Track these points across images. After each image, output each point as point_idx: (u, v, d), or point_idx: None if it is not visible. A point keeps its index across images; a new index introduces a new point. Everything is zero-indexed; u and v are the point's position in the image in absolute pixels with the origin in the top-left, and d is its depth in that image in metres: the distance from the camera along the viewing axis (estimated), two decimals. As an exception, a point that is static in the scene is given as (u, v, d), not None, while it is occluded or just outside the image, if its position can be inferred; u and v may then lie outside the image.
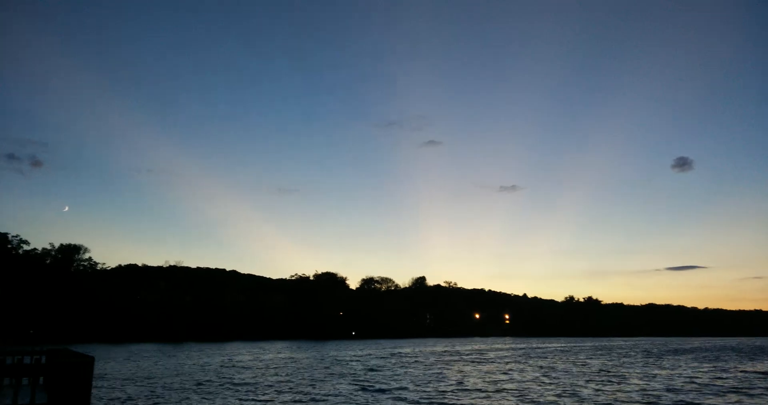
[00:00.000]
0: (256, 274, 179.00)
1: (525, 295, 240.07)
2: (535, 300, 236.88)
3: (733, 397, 26.78)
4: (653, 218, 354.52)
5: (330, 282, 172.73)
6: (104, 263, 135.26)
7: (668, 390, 29.70)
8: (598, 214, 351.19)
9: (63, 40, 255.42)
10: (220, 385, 31.24)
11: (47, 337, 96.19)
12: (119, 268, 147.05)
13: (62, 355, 26.16)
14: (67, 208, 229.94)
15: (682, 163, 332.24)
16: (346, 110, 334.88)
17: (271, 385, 31.10)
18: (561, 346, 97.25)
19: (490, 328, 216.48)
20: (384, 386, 30.38)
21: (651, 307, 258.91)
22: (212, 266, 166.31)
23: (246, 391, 28.09)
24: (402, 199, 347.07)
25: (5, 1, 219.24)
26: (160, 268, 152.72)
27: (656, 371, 42.97)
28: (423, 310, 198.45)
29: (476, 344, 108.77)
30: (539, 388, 30.26)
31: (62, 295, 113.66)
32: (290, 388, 29.43)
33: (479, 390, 29.05)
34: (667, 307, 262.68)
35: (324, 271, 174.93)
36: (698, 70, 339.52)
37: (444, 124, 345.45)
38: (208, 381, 33.33)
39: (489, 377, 36.73)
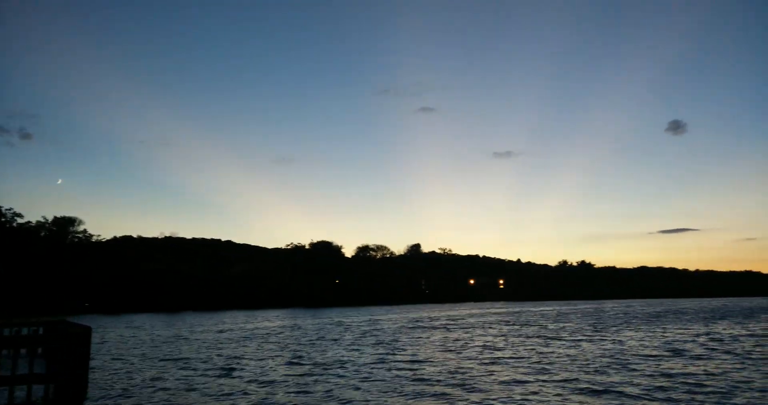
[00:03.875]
0: (252, 243, 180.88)
1: (519, 260, 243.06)
2: (530, 265, 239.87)
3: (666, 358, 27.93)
4: (647, 181, 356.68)
5: (325, 250, 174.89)
6: (99, 235, 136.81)
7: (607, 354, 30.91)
8: (593, 179, 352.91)
9: (52, 7, 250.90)
10: (199, 353, 32.52)
11: (44, 310, 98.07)
12: (114, 240, 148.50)
13: (60, 326, 27.20)
14: (60, 181, 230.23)
15: (676, 127, 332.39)
16: (341, 77, 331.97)
17: (242, 356, 32.32)
18: (546, 310, 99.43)
19: (485, 293, 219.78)
20: (330, 357, 31.62)
21: (643, 270, 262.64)
22: (208, 236, 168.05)
23: (217, 360, 29.33)
24: (397, 166, 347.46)
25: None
26: (155, 239, 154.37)
27: (598, 336, 44.35)
28: (418, 277, 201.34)
29: (465, 309, 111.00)
30: (486, 351, 31.53)
31: (58, 268, 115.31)
32: (253, 358, 30.63)
33: (420, 361, 30.24)
34: (660, 270, 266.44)
35: (319, 239, 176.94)
36: (690, 34, 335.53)
37: (439, 90, 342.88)
38: (189, 351, 34.60)
39: (445, 344, 38.01)
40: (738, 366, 24.73)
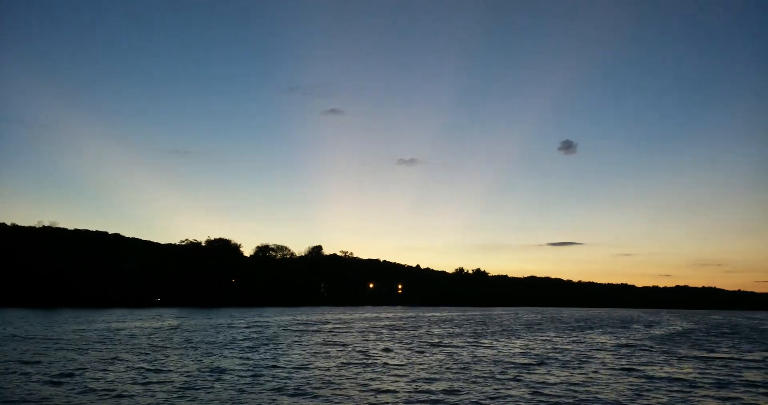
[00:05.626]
0: (143, 238, 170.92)
1: (418, 266, 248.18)
2: (428, 271, 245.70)
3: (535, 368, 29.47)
4: (539, 196, 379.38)
5: (223, 248, 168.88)
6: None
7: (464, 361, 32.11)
8: (490, 191, 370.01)
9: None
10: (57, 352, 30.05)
11: None
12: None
13: None
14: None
15: (568, 146, 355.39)
16: (246, 71, 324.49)
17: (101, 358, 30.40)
18: (439, 315, 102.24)
19: (384, 297, 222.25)
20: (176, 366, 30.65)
21: (532, 280, 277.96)
22: (92, 228, 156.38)
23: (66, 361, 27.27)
24: (301, 167, 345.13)
25: None
26: (32, 228, 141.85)
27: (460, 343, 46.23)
28: (318, 279, 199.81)
29: (361, 313, 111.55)
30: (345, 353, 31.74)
31: None
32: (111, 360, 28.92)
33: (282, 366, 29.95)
34: (547, 280, 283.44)
35: (217, 237, 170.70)
36: (586, 61, 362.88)
37: (348, 93, 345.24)
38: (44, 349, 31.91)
39: (324, 349, 37.92)
40: (594, 376, 26.47)
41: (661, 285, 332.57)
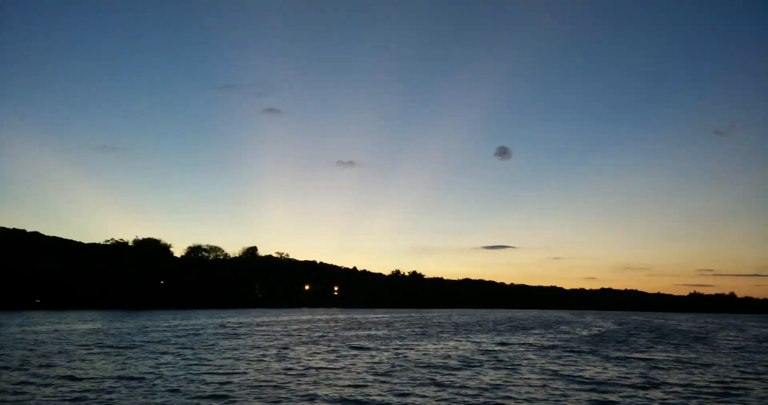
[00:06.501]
0: (64, 237, 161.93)
1: (355, 268, 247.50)
2: (365, 273, 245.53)
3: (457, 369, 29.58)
4: (474, 200, 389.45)
5: (151, 249, 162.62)
6: None
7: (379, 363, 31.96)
8: (427, 195, 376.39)
9: None
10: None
11: None
12: None
13: None
14: None
15: (503, 152, 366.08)
16: (180, 66, 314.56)
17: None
18: (373, 317, 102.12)
19: (320, 299, 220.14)
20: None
21: (467, 282, 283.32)
22: (9, 226, 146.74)
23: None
24: (236, 166, 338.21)
25: None
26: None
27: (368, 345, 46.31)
28: (252, 281, 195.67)
29: (293, 315, 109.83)
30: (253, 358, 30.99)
31: None
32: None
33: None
34: (480, 282, 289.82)
35: (146, 236, 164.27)
36: (518, 71, 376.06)
37: (286, 93, 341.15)
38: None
39: (241, 353, 36.98)
40: (511, 378, 26.73)
41: (588, 287, 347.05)
